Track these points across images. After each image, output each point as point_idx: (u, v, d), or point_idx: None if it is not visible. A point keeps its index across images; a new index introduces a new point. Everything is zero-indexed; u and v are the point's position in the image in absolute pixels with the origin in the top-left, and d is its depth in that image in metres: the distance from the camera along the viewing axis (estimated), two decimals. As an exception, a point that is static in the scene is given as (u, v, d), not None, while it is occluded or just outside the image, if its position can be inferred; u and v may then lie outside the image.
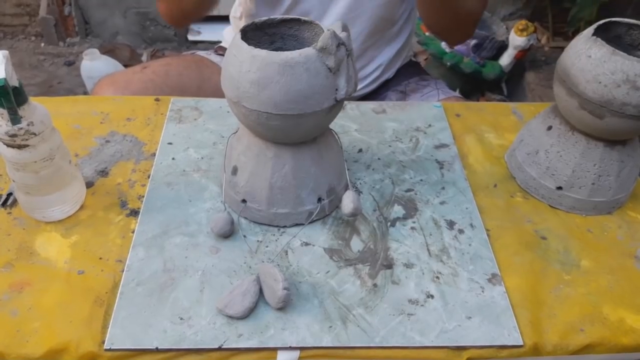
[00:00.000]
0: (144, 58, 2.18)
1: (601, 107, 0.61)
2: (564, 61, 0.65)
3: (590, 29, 0.64)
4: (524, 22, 1.85)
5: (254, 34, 0.61)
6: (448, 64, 1.88)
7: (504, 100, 1.95)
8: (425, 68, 1.98)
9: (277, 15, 0.62)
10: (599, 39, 0.61)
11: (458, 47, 1.91)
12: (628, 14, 1.84)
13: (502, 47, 1.92)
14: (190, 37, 2.26)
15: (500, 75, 1.92)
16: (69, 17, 2.20)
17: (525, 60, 1.96)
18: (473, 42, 1.87)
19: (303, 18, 0.61)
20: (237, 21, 0.99)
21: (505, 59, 1.91)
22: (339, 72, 0.56)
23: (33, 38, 2.27)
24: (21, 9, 2.20)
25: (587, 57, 0.62)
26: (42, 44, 2.23)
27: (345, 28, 0.57)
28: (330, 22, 0.87)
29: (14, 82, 0.54)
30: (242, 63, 0.54)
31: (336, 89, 0.57)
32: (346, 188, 0.67)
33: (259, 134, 0.60)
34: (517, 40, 1.85)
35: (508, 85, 2.02)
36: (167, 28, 2.24)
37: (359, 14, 0.88)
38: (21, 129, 0.56)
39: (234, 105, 0.58)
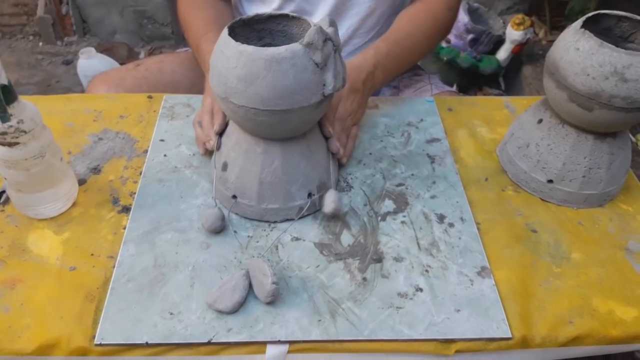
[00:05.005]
0: (141, 56, 2.18)
1: (590, 99, 0.61)
2: (553, 54, 0.65)
3: (579, 22, 0.64)
4: (520, 16, 1.85)
5: (243, 30, 0.61)
6: (445, 58, 1.88)
7: (502, 95, 1.95)
8: (422, 63, 1.98)
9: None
10: (587, 31, 0.61)
11: (455, 42, 1.91)
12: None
13: (499, 41, 1.92)
14: (188, 35, 2.26)
15: (497, 70, 1.91)
16: (67, 16, 2.20)
17: (523, 54, 1.95)
18: (470, 36, 1.86)
19: (291, 14, 0.61)
20: None
21: (502, 53, 1.91)
22: (326, 67, 0.56)
23: (31, 37, 2.28)
24: (19, 8, 2.21)
25: (576, 50, 0.62)
26: (40, 43, 2.24)
27: (332, 23, 0.57)
28: (319, 17, 0.87)
29: (2, 80, 0.54)
30: (229, 59, 0.55)
31: (324, 84, 0.57)
32: (337, 183, 0.67)
33: (247, 129, 0.61)
34: (514, 34, 1.85)
35: (505, 80, 2.02)
36: (164, 26, 2.24)
37: (348, 7, 0.88)
38: (11, 126, 0.56)
39: (222, 101, 0.58)
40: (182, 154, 0.74)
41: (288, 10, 0.88)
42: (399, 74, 0.88)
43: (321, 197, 0.66)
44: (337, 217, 0.66)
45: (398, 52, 0.80)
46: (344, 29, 0.90)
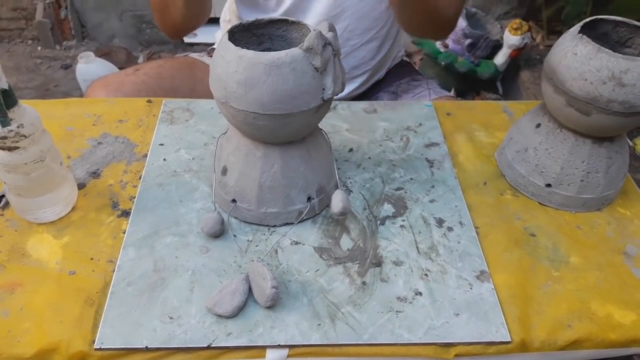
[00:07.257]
0: (140, 60, 2.18)
1: (587, 104, 0.62)
2: (551, 59, 0.66)
3: (577, 27, 0.64)
4: (518, 21, 1.86)
5: (242, 35, 0.61)
6: (443, 63, 1.88)
7: (499, 99, 1.95)
8: (420, 68, 2.00)
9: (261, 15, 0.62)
10: (584, 36, 0.62)
11: (453, 47, 1.92)
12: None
13: (497, 46, 1.93)
14: (187, 39, 2.26)
15: (495, 74, 1.92)
16: (65, 20, 2.21)
17: (520, 59, 1.96)
18: (468, 41, 1.87)
19: (290, 19, 0.62)
20: (227, 25, 1.00)
21: (500, 58, 1.92)
22: (326, 71, 0.57)
23: (30, 42, 2.28)
24: (17, 13, 2.21)
25: (573, 55, 0.62)
26: (39, 48, 2.24)
27: (332, 28, 0.58)
28: (312, 20, 0.87)
29: (3, 84, 0.54)
30: (229, 63, 0.55)
31: (323, 89, 0.57)
32: (336, 187, 0.67)
33: (247, 134, 0.61)
34: (511, 39, 1.85)
35: (503, 84, 2.03)
36: (163, 30, 2.24)
37: (341, 10, 0.88)
38: (11, 131, 0.56)
39: (222, 105, 0.58)
40: (182, 158, 0.74)
41: (284, 7, 0.88)
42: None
43: (320, 201, 0.66)
44: (343, 217, 0.66)
45: None
46: (339, 31, 0.90)
